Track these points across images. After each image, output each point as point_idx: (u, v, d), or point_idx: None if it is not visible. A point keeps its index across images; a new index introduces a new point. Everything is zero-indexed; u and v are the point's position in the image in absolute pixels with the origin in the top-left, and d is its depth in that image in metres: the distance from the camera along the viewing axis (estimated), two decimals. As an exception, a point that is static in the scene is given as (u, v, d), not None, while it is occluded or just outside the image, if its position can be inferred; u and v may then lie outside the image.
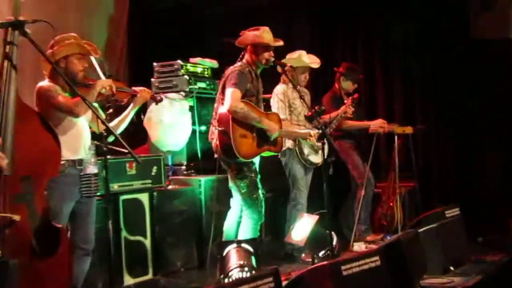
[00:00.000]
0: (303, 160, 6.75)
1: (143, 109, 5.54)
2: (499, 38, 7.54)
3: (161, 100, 5.25)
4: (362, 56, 8.79)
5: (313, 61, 6.95)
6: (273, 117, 5.88)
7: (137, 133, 7.54)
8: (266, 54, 5.72)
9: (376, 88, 8.71)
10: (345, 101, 7.09)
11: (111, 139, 4.54)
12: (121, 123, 4.92)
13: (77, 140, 4.64)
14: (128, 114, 4.95)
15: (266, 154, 5.84)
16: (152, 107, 6.67)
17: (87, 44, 4.75)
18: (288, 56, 6.90)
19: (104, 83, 4.63)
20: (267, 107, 6.56)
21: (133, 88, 5.02)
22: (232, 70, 5.62)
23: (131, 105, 4.96)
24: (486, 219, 7.63)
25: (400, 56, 8.58)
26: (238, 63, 5.73)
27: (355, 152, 7.49)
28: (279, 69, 6.32)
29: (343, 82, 7.56)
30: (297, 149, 6.72)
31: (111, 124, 4.73)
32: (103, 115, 4.76)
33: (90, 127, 4.80)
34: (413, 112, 8.50)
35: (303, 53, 6.94)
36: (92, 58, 4.85)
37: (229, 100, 5.42)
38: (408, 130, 7.36)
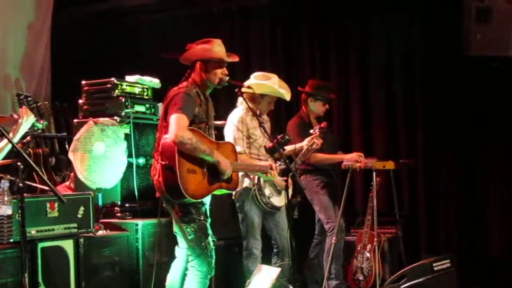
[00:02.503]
0: (262, 203, 6.80)
1: (68, 138, 5.53)
2: (497, 55, 7.72)
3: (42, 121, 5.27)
4: (335, 73, 8.91)
5: (287, 92, 7.03)
6: (226, 148, 5.89)
7: (59, 167, 7.57)
8: (218, 72, 5.74)
9: (351, 113, 8.80)
10: (312, 131, 7.11)
11: None
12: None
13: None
14: (6, 144, 4.92)
15: (218, 192, 5.84)
16: (79, 135, 6.66)
17: None
18: (256, 78, 6.99)
19: None
20: (219, 136, 6.60)
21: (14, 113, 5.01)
22: (176, 91, 5.60)
23: (10, 133, 4.95)
24: (485, 274, 7.77)
25: (381, 74, 8.68)
26: (184, 83, 5.72)
27: (325, 190, 7.53)
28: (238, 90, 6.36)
29: (312, 104, 7.64)
30: (256, 189, 6.78)
31: None
32: None
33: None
34: (396, 143, 8.60)
35: (276, 79, 7.00)
36: None
37: (173, 128, 5.39)
38: (390, 165, 7.43)
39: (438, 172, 8.44)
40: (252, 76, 7.06)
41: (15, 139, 4.94)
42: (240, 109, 6.91)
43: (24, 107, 5.00)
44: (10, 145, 4.88)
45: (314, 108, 7.65)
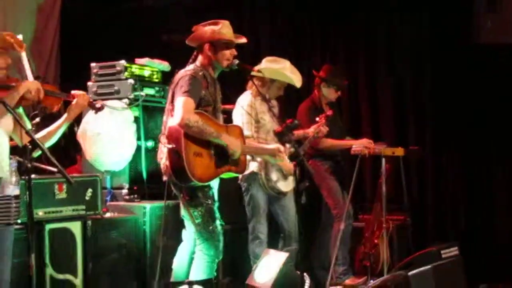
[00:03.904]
0: (269, 188, 6.81)
1: (77, 119, 5.54)
2: (508, 42, 7.69)
3: (102, 108, 5.28)
4: (344, 59, 8.90)
5: (298, 78, 7.02)
6: (234, 131, 5.89)
7: (68, 149, 7.56)
8: (227, 53, 5.73)
9: (360, 100, 8.80)
10: (318, 119, 7.15)
11: (37, 154, 4.55)
12: (50, 136, 4.91)
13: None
14: (60, 126, 4.95)
15: (226, 175, 5.85)
16: (89, 117, 6.66)
17: (9, 36, 4.72)
18: (267, 62, 6.98)
19: (30, 86, 4.62)
20: (228, 120, 6.61)
21: (69, 92, 5.03)
22: (182, 74, 5.60)
23: (65, 114, 4.98)
24: (491, 262, 7.77)
25: (390, 62, 8.68)
26: (190, 66, 5.72)
27: (333, 176, 7.57)
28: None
29: (324, 89, 7.64)
30: (263, 174, 6.79)
31: (37, 136, 4.68)
32: (28, 125, 4.77)
33: (11, 139, 4.79)
34: (405, 130, 8.61)
35: (287, 65, 6.99)
36: (23, 54, 4.82)
37: (180, 111, 5.39)
38: (399, 152, 7.38)
39: (447, 160, 8.44)
40: (264, 60, 7.04)
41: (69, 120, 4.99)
42: (249, 93, 6.90)
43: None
44: (63, 128, 4.92)
45: (326, 93, 7.65)
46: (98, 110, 5.27)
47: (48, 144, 4.84)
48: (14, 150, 4.79)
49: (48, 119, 5.00)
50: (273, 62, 6.99)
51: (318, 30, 9.14)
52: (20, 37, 4.84)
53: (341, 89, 7.71)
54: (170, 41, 7.79)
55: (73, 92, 5.05)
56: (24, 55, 4.86)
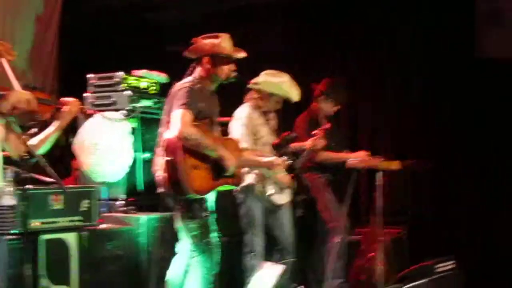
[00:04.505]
0: (265, 200, 6.80)
1: (73, 130, 5.53)
2: (510, 57, 7.69)
3: (92, 115, 5.28)
4: (343, 72, 8.92)
5: (296, 93, 7.01)
6: (230, 144, 5.91)
7: (64, 159, 7.56)
8: (226, 68, 5.76)
9: (359, 112, 8.81)
10: (315, 132, 7.13)
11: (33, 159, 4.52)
12: (41, 144, 4.83)
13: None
14: (52, 134, 4.92)
15: (223, 187, 5.86)
16: (85, 127, 6.67)
17: None
18: (266, 75, 6.98)
19: (20, 95, 4.50)
20: (224, 132, 6.60)
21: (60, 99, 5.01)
22: (180, 87, 5.62)
23: (56, 121, 4.95)
24: (490, 276, 7.76)
25: (389, 74, 8.70)
26: (188, 78, 5.74)
27: (329, 189, 7.55)
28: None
29: (323, 103, 7.63)
30: (259, 186, 6.78)
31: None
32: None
33: (3, 150, 4.75)
34: (403, 144, 8.61)
35: (286, 79, 6.99)
36: (3, 61, 4.74)
37: (177, 124, 5.41)
38: (395, 165, 7.39)
39: (443, 173, 8.45)
40: (263, 73, 7.05)
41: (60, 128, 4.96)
42: (247, 105, 6.91)
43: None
44: (54, 135, 4.89)
45: (325, 107, 7.64)
46: (88, 117, 5.26)
47: (39, 152, 4.81)
48: (11, 160, 4.77)
49: (40, 127, 4.97)
50: (272, 76, 6.99)
51: (317, 44, 9.15)
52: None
53: (340, 103, 7.71)
54: (170, 53, 7.79)
55: (64, 99, 5.04)
56: (4, 63, 4.76)
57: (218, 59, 5.75)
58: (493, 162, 8.23)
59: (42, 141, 4.87)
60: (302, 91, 7.11)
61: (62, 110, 4.95)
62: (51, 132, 4.92)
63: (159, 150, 5.63)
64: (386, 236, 7.47)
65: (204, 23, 9.22)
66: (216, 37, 5.80)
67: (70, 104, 4.99)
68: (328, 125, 7.23)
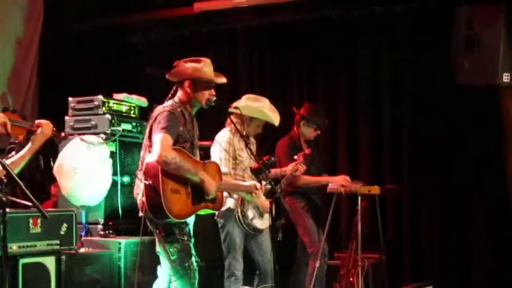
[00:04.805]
0: (245, 224, 6.81)
1: (54, 154, 5.51)
2: (486, 83, 7.74)
3: (66, 137, 5.26)
4: (322, 96, 8.96)
5: (276, 117, 7.05)
6: (211, 168, 5.86)
7: (44, 183, 7.53)
8: (206, 93, 5.73)
9: (338, 137, 8.84)
10: (296, 157, 7.17)
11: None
12: (14, 167, 4.80)
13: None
14: (25, 156, 4.92)
15: (202, 212, 5.83)
16: (65, 151, 6.66)
17: None
18: (247, 100, 7.01)
19: None
20: (206, 156, 6.60)
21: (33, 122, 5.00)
22: (161, 110, 5.59)
23: (29, 144, 4.93)
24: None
25: (369, 99, 8.73)
26: (169, 102, 5.72)
27: (309, 213, 7.58)
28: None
29: (304, 127, 7.66)
30: (239, 211, 6.79)
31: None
32: None
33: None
34: (382, 169, 8.64)
35: (266, 103, 7.03)
36: None
37: (158, 148, 5.37)
38: (375, 190, 7.39)
39: (422, 198, 8.49)
40: (244, 97, 7.07)
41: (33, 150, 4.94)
42: (228, 129, 6.92)
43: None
44: (26, 158, 4.88)
45: (306, 132, 7.67)
46: (62, 139, 5.25)
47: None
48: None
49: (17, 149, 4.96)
50: (253, 100, 7.02)
51: (297, 68, 9.19)
52: None
53: (321, 128, 7.73)
54: (150, 76, 7.80)
55: (37, 121, 5.02)
56: None
57: (198, 83, 5.72)
58: (464, 187, 8.26)
59: (15, 163, 4.87)
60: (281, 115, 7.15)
61: (35, 132, 4.94)
62: (25, 154, 4.93)
63: (140, 174, 5.60)
64: (365, 261, 7.48)
65: (182, 44, 9.25)
66: (198, 61, 5.78)
67: (43, 126, 4.98)
68: (309, 151, 7.27)
